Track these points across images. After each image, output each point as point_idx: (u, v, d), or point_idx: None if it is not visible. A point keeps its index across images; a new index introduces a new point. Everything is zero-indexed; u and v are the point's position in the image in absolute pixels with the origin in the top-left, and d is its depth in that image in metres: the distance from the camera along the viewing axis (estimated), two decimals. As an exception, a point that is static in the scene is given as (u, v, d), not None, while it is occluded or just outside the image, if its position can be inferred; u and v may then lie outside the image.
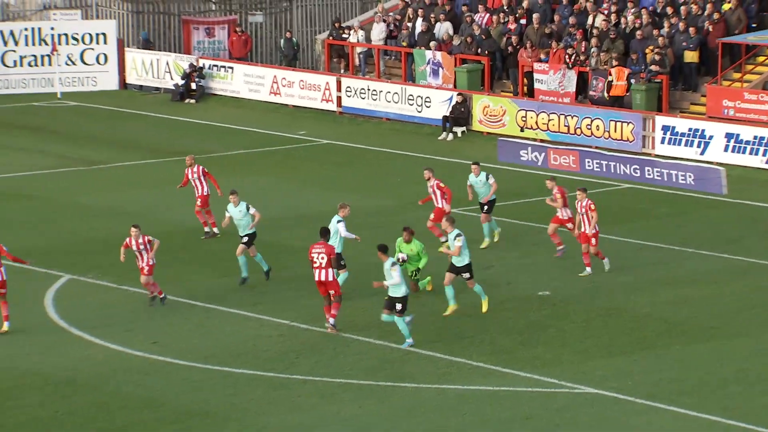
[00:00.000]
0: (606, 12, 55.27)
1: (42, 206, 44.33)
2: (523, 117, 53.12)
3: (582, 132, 51.74)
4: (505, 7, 57.94)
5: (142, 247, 34.11)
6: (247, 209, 36.61)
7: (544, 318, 34.17)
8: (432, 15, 59.33)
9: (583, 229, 36.58)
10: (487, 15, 58.29)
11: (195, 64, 61.16)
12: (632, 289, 36.13)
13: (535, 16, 56.37)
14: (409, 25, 59.69)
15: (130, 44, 64.06)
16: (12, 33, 62.08)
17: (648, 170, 47.03)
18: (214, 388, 29.89)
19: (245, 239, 36.44)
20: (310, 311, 34.09)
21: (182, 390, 29.80)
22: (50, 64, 62.01)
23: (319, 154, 52.12)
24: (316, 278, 32.97)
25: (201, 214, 40.62)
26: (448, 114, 54.43)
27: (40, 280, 36.60)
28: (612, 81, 52.43)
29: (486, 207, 39.38)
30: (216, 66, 61.68)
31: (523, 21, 56.99)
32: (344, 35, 61.31)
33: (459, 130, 54.15)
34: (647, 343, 32.35)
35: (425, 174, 39.17)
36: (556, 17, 56.46)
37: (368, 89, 57.75)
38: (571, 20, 55.59)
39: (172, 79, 61.54)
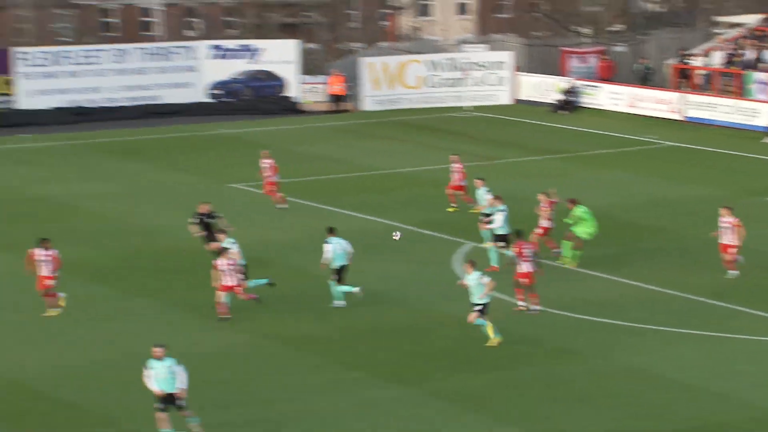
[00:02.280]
0: None
1: (439, 193, 44.67)
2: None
3: None
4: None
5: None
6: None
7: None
8: (762, 44, 58.01)
9: None
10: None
11: (570, 84, 61.16)
12: None
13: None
14: (742, 52, 58.42)
15: (521, 69, 64.41)
16: (436, 62, 63.13)
17: None
18: (584, 332, 29.75)
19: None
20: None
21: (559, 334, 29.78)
22: (462, 85, 62.83)
23: (665, 154, 51.32)
24: None
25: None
26: (771, 123, 53.03)
27: (447, 246, 36.82)
28: None
29: None
30: (587, 85, 61.47)
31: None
32: (689, 60, 60.44)
33: (780, 135, 52.69)
34: None
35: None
36: None
37: (707, 103, 56.70)
38: None
39: (552, 95, 61.60)
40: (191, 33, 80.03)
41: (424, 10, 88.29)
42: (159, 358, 23.78)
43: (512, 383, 26.50)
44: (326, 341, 29.01)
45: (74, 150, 52.59)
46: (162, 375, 23.71)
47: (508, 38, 69.65)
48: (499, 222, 33.97)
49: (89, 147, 53.22)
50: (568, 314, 30.71)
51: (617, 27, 79.66)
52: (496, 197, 34.72)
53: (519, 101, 63.25)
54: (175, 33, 78.72)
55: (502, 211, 34.09)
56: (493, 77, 63.10)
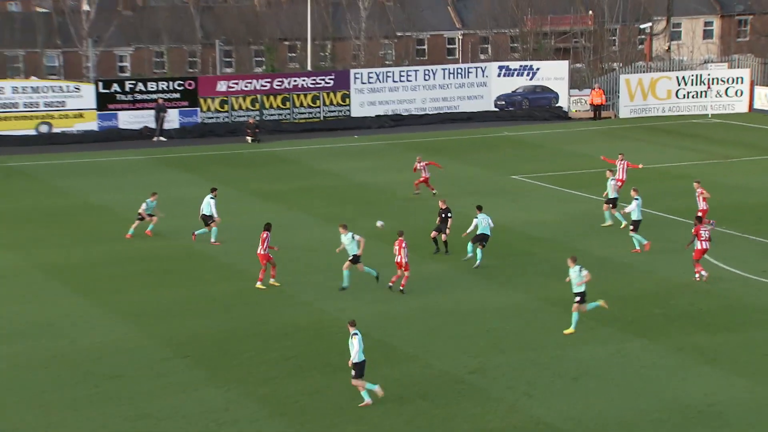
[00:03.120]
0: None
1: (685, 183, 43.16)
2: None
3: None
4: None
5: None
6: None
7: None
8: None
9: None
10: None
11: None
12: None
13: None
14: None
15: (758, 83, 61.63)
16: (682, 78, 61.13)
17: None
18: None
19: None
20: None
21: None
22: (705, 96, 60.62)
23: None
24: None
25: None
26: None
27: (686, 229, 35.67)
28: None
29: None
30: (813, 97, 58.18)
31: None
32: None
33: None
34: None
35: None
36: None
37: None
38: None
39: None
40: (483, 56, 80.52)
41: (675, 35, 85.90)
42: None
43: (742, 343, 25.38)
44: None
45: (390, 148, 53.52)
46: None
47: (746, 57, 66.83)
48: (633, 208, 32.99)
49: (401, 146, 54.04)
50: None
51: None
52: (634, 189, 33.79)
53: (755, 110, 60.51)
54: (471, 56, 79.40)
55: (636, 200, 32.92)
56: (732, 90, 60.66)
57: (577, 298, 26.44)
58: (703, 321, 26.88)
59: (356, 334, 22.46)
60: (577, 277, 26.48)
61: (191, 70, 76.70)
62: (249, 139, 55.30)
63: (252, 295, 29.17)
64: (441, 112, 60.86)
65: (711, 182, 43.06)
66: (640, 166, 39.57)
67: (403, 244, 29.26)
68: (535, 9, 79.72)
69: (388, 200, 41.06)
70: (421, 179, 40.62)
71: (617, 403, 22.51)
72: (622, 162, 38.80)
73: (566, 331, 26.24)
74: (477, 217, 31.96)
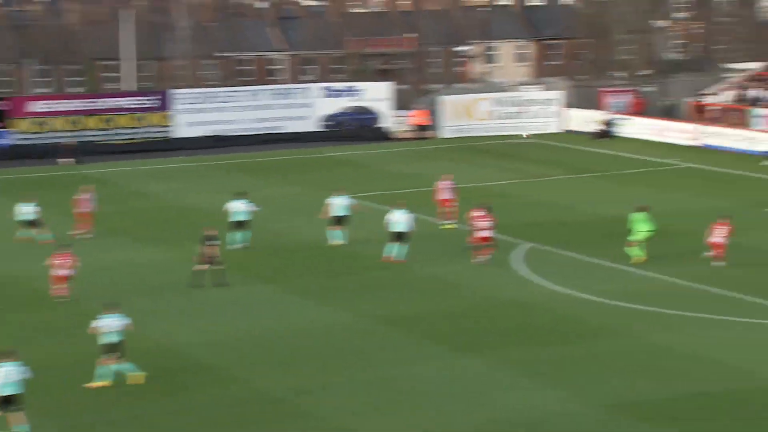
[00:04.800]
0: None
1: (505, 202, 44.10)
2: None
3: None
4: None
5: None
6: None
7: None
8: (763, 85, 56.74)
9: None
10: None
11: (608, 117, 60.22)
12: None
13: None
14: (746, 92, 57.16)
15: (569, 105, 63.56)
16: (499, 99, 62.47)
17: None
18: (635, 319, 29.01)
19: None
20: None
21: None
22: (520, 117, 62.13)
23: (685, 173, 50.07)
24: None
25: None
26: (771, 148, 51.71)
27: (508, 247, 36.33)
28: None
29: None
30: (622, 118, 60.45)
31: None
32: (704, 98, 59.34)
33: (778, 158, 51.37)
34: None
35: None
36: None
37: (719, 132, 55.43)
38: None
39: (593, 126, 60.70)
40: (308, 77, 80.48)
41: (491, 58, 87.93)
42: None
43: (561, 357, 25.85)
44: (412, 320, 28.57)
45: (212, 169, 52.77)
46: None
47: (558, 80, 68.94)
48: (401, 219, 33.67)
49: (224, 167, 53.38)
50: (614, 302, 29.97)
51: (646, 72, 78.45)
52: (400, 202, 34.77)
53: (567, 131, 62.38)
54: (295, 77, 79.26)
55: (402, 212, 33.70)
56: (545, 111, 62.39)
57: (110, 351, 23.30)
58: (530, 336, 27.25)
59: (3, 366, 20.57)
60: (111, 325, 23.41)
61: (3, 90, 73.91)
62: (64, 161, 53.55)
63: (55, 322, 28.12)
64: (266, 132, 60.46)
65: (528, 201, 44.05)
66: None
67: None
68: (356, 31, 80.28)
69: (205, 222, 40.44)
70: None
71: (444, 419, 22.53)
72: (447, 182, 39.21)
73: (93, 385, 23.42)
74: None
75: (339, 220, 36.04)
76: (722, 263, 32.94)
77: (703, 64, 77.83)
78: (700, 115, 58.94)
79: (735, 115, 57.17)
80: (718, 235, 33.10)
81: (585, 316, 28.68)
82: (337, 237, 35.97)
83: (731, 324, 27.88)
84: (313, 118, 61.54)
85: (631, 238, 33.69)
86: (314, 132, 61.29)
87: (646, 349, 26.14)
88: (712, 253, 33.11)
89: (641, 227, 33.62)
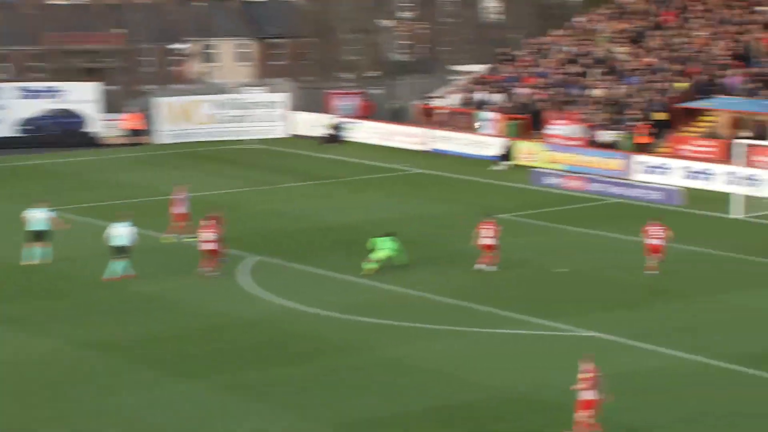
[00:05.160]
0: (604, 87, 54.67)
1: (231, 212, 44.05)
2: (550, 155, 52.51)
3: (587, 164, 50.93)
4: (537, 84, 57.57)
5: None
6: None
7: (562, 285, 33.34)
8: (489, 88, 59.24)
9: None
10: (526, 89, 57.83)
11: (336, 120, 61.05)
12: (620, 268, 35.11)
13: (557, 89, 55.87)
14: (472, 95, 59.57)
15: (295, 108, 64.06)
16: (221, 102, 62.09)
17: (631, 190, 46.31)
18: (358, 332, 29.24)
19: None
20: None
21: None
22: (244, 121, 61.95)
23: (414, 179, 51.57)
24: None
25: None
26: (500, 153, 53.91)
27: (236, 260, 36.17)
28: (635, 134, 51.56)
29: None
30: (350, 122, 61.42)
31: (549, 92, 56.51)
32: (431, 101, 61.27)
33: (507, 163, 53.50)
34: (630, 301, 31.35)
35: None
36: (570, 90, 55.96)
37: (447, 136, 57.45)
38: (580, 92, 55.06)
39: (321, 130, 61.39)
40: (2, 76, 76.98)
41: (209, 57, 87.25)
42: None
43: (291, 377, 25.79)
44: (129, 345, 27.77)
45: None
46: None
47: (282, 82, 69.25)
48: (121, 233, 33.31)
49: None
50: (346, 317, 30.23)
51: (374, 73, 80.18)
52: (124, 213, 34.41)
53: (294, 135, 62.79)
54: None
55: (124, 226, 33.33)
56: (271, 115, 62.53)
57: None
58: (258, 356, 27.02)
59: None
60: None
61: None
62: None
63: None
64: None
65: (255, 210, 43.96)
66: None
67: None
68: (56, 25, 77.52)
69: None
70: None
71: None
72: (182, 194, 38.42)
73: None
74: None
75: (37, 236, 34.53)
76: (494, 268, 34.05)
77: (429, 66, 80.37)
78: (428, 118, 60.73)
79: (462, 119, 59.25)
80: (486, 236, 34.21)
81: (316, 332, 28.80)
82: (34, 255, 34.46)
83: (463, 334, 28.76)
84: (8, 122, 58.97)
85: (373, 256, 34.20)
86: (9, 138, 58.72)
87: (379, 363, 26.52)
88: (484, 259, 34.16)
89: (385, 246, 34.27)
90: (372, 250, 34.15)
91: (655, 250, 34.26)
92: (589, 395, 21.26)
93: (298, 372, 25.91)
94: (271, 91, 65.40)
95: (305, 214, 43.23)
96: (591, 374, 21.42)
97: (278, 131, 62.69)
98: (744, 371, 25.69)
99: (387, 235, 34.50)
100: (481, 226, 34.57)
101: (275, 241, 38.49)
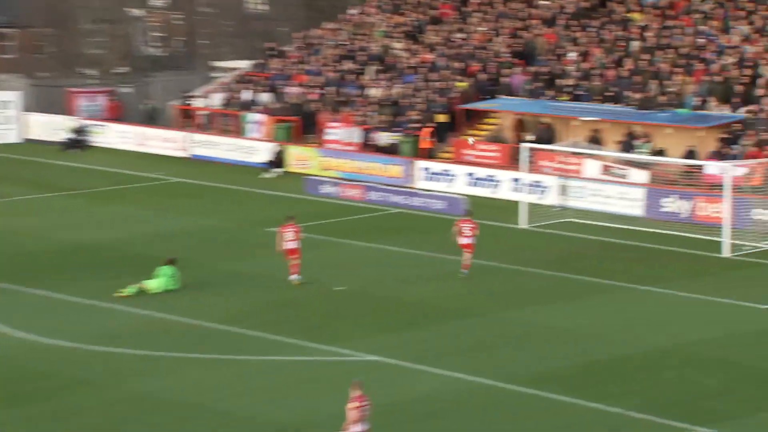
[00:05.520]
0: (381, 86, 55.93)
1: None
2: (324, 161, 53.41)
3: (365, 171, 52.06)
4: (308, 83, 58.38)
5: None
6: None
7: (342, 305, 34.06)
8: (256, 87, 59.67)
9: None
10: (296, 88, 58.58)
11: (80, 123, 60.30)
12: (403, 284, 36.18)
13: (330, 88, 56.80)
14: (239, 94, 59.87)
15: (29, 109, 62.92)
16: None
17: (413, 199, 47.54)
18: (98, 363, 29.11)
19: None
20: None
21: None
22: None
23: (173, 189, 51.52)
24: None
25: None
26: (270, 159, 54.45)
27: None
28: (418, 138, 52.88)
29: None
30: (96, 125, 60.79)
31: (322, 91, 57.39)
32: (191, 101, 61.28)
33: (278, 171, 54.11)
34: (414, 322, 32.40)
35: None
36: (345, 90, 56.97)
37: (210, 141, 57.60)
38: (356, 92, 56.14)
39: (62, 134, 60.53)
40: None
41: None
42: None
43: (30, 417, 25.47)
44: None
45: None
46: None
47: (13, 78, 67.86)
48: None
49: None
50: (94, 348, 30.02)
51: (122, 69, 79.46)
52: None
53: (29, 140, 61.66)
54: None
55: None
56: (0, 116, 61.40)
57: None
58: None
59: None
60: None
61: None
62: None
63: None
64: None
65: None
66: None
67: None
68: None
69: None
70: None
71: None
72: None
73: None
74: None
75: None
76: (299, 277, 35.15)
77: (187, 62, 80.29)
78: (188, 120, 60.72)
79: (226, 121, 59.55)
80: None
81: (57, 368, 28.51)
82: None
83: (229, 363, 28.95)
84: None
85: (147, 281, 34.16)
86: None
87: (129, 399, 26.38)
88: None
89: (162, 273, 34.44)
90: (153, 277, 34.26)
91: (468, 247, 36.43)
92: (356, 428, 21.51)
93: (35, 413, 25.64)
94: (0, 89, 64.11)
95: (43, 231, 42.60)
96: (359, 404, 21.76)
97: (10, 136, 61.45)
98: (530, 393, 26.83)
99: (168, 263, 34.64)
100: (285, 229, 35.50)
101: (8, 263, 37.83)
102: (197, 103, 61.06)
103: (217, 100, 60.57)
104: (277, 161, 54.42)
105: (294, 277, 35.44)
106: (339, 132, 54.76)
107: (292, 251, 35.42)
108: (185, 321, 32.26)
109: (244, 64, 65.54)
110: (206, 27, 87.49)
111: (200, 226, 43.77)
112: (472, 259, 36.59)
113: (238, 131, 58.24)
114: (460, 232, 36.67)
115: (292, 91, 58.42)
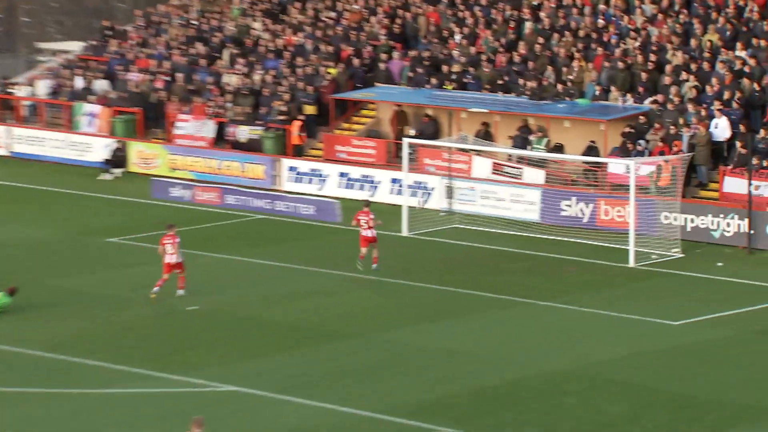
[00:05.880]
0: (239, 72, 55.63)
1: None
2: (173, 159, 53.03)
3: (222, 172, 51.81)
4: (153, 69, 57.75)
5: None
6: None
7: (194, 328, 33.84)
8: (90, 73, 58.89)
9: None
10: (139, 74, 57.93)
11: None
12: (267, 302, 36.13)
13: (179, 75, 56.36)
14: (71, 81, 59.07)
15: None
16: None
17: (277, 203, 47.50)
18: None
19: None
20: None
21: None
22: None
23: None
24: None
25: None
26: (107, 157, 53.87)
27: None
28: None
29: None
30: None
31: (169, 79, 56.90)
32: (12, 90, 60.33)
33: (118, 171, 53.58)
34: (280, 346, 32.31)
35: None
36: (196, 77, 56.53)
37: (35, 136, 56.93)
38: (210, 79, 55.76)
39: None
40: None
41: None
42: None
43: None
44: None
45: None
46: None
47: None
48: None
49: None
50: None
51: None
52: None
53: None
54: None
55: None
56: None
57: None
58: None
59: None
60: None
61: None
62: None
63: None
64: None
65: None
66: None
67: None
68: None
69: None
70: None
71: None
72: None
73: None
74: None
75: None
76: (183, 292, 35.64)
77: (6, 43, 79.11)
78: (8, 112, 59.79)
79: (56, 113, 58.75)
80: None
81: None
82: None
83: (61, 397, 28.74)
84: None
85: None
86: None
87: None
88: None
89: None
90: None
91: (372, 240, 38.30)
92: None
93: None
94: None
95: None
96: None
97: None
98: (414, 425, 27.03)
99: (10, 292, 34.60)
100: (164, 241, 35.78)
101: None
102: (19, 91, 60.17)
103: (43, 88, 59.77)
104: (117, 160, 53.91)
105: (156, 290, 35.68)
106: (190, 126, 54.42)
107: (176, 265, 35.85)
108: (11, 349, 31.79)
109: (75, 46, 64.79)
110: (29, 2, 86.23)
111: (26, 237, 43.24)
112: (379, 251, 38.38)
113: (69, 125, 57.55)
114: (359, 224, 38.29)
115: (134, 78, 57.90)
